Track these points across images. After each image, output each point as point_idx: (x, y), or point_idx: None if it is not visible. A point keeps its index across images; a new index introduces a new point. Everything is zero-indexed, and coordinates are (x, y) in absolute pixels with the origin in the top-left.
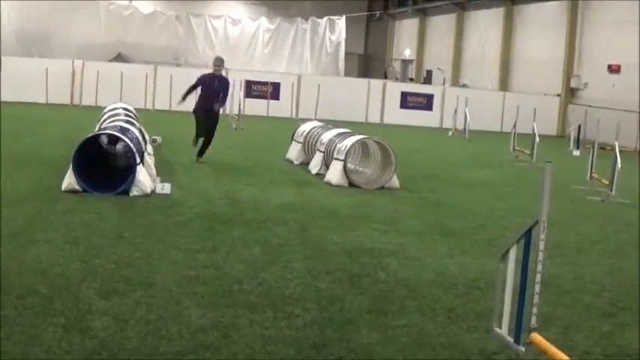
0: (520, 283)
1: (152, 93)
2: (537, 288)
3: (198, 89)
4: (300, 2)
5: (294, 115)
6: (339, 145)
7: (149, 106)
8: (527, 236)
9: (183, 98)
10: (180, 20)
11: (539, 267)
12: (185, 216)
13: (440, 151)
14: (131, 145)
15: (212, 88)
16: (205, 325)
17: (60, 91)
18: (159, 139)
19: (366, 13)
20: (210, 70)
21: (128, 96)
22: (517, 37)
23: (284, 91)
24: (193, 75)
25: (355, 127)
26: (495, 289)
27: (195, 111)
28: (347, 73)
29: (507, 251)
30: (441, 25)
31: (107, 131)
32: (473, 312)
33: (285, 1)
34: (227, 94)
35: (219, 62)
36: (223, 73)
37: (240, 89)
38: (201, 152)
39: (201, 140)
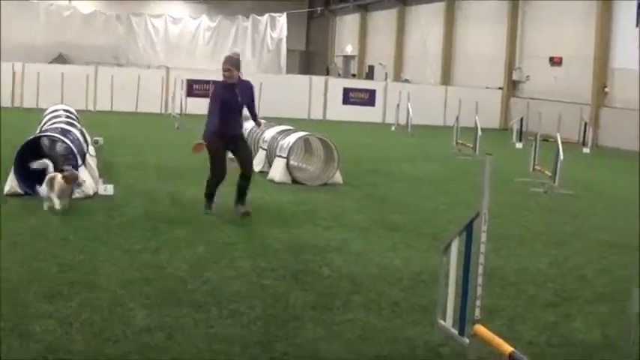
0: (463, 275)
1: (93, 94)
2: (480, 280)
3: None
4: (241, 1)
5: None
6: (281, 143)
7: (90, 107)
8: (469, 229)
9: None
10: (121, 20)
11: (482, 259)
12: (128, 217)
13: (383, 146)
14: (72, 147)
15: (233, 102)
16: (150, 326)
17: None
18: (101, 140)
19: (307, 10)
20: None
21: (69, 97)
22: (458, 32)
23: None
24: (135, 75)
25: (298, 124)
26: (439, 282)
27: (210, 139)
28: (289, 70)
29: (449, 244)
30: (383, 20)
31: (48, 133)
32: (417, 305)
33: (226, 0)
34: (254, 105)
35: (231, 63)
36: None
37: (182, 88)
38: (242, 196)
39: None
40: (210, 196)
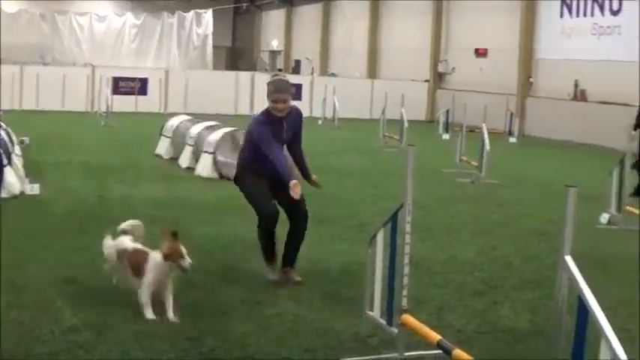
0: (389, 266)
1: (19, 93)
2: (406, 270)
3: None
4: None
5: (162, 110)
6: (208, 138)
7: (16, 107)
8: (394, 220)
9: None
10: (46, 18)
11: (407, 249)
12: (56, 216)
13: (310, 139)
14: None
15: (279, 139)
16: (79, 325)
17: None
18: (27, 139)
19: (232, 6)
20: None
21: None
22: (384, 25)
23: (152, 87)
24: (60, 73)
25: (225, 119)
26: (366, 273)
27: (245, 178)
28: (215, 67)
29: (375, 236)
30: (308, 15)
31: None
32: (346, 297)
33: None
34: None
35: (286, 90)
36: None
37: (108, 86)
38: (291, 257)
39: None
40: (266, 251)
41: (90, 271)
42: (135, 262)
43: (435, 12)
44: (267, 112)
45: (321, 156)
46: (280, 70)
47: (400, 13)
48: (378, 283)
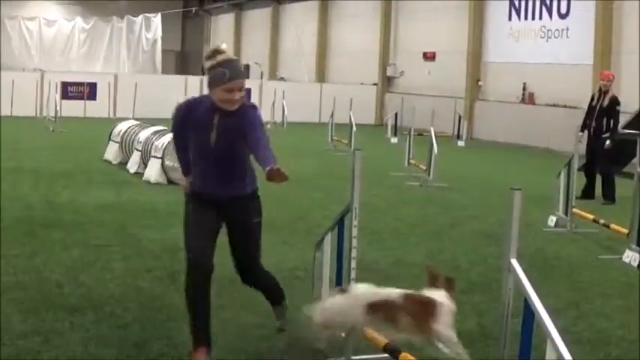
0: (336, 269)
1: None
2: (353, 274)
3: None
4: (115, 2)
5: (111, 115)
6: (156, 143)
7: None
8: (341, 223)
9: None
10: None
11: (354, 253)
12: (4, 222)
13: None
14: None
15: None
16: (27, 331)
17: None
18: None
19: (181, 10)
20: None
21: None
22: (333, 29)
23: (101, 91)
24: (9, 79)
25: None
26: (313, 277)
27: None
28: (164, 71)
29: (322, 239)
30: (257, 19)
31: None
32: (293, 302)
33: (101, 1)
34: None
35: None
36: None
37: (57, 91)
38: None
39: None
40: (195, 320)
41: (38, 277)
42: (416, 310)
43: (384, 15)
44: (210, 103)
45: None
46: None
47: (349, 15)
48: (326, 287)
